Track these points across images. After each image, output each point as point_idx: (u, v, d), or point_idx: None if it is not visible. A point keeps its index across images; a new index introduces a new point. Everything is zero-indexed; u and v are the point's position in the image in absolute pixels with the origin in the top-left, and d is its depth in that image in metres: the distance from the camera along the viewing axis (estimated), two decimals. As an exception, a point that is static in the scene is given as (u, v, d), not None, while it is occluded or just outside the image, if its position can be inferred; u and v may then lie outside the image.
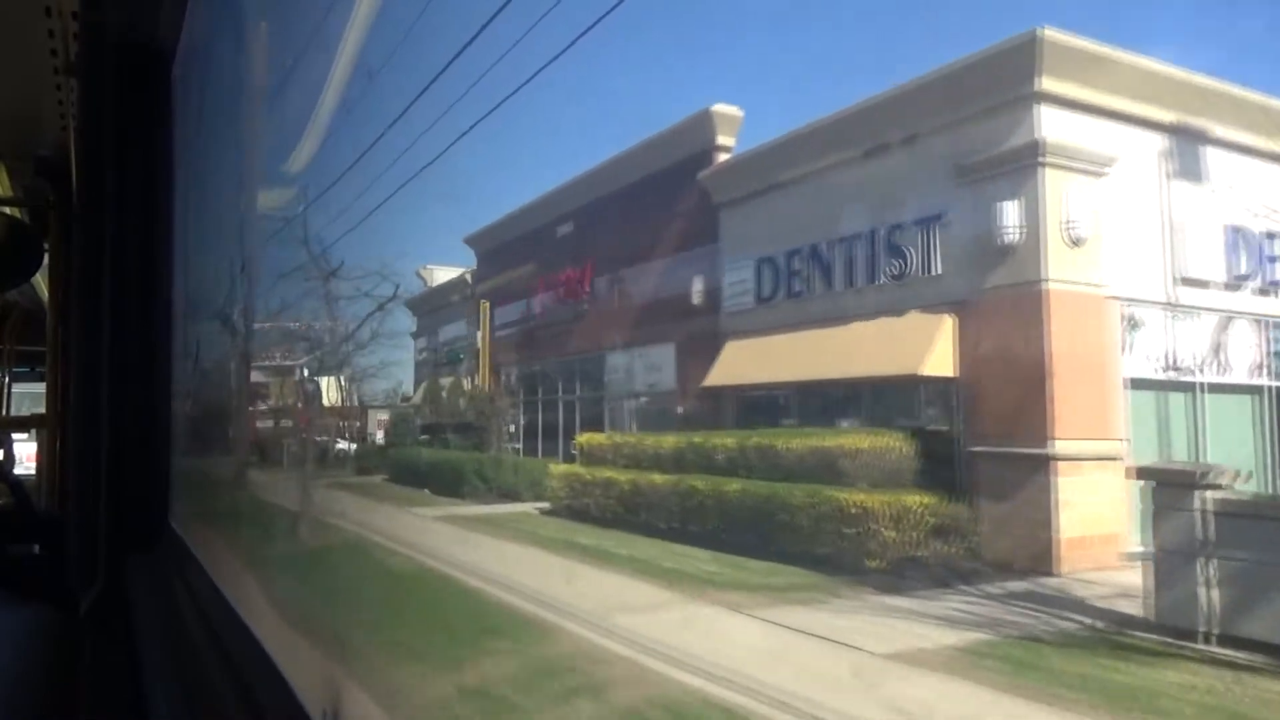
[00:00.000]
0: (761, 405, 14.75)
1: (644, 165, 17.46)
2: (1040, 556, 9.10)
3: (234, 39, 2.12)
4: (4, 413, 7.37)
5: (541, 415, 22.95)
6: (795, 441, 10.92)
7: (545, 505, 15.69)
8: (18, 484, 2.53)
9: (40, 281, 3.96)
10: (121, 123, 2.06)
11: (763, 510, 10.28)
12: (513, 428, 22.81)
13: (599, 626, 6.87)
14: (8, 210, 3.21)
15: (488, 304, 25.67)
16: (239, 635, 1.45)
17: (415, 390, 31.49)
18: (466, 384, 25.64)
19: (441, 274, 30.89)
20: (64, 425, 3.46)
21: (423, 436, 26.42)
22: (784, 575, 8.69)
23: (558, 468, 15.85)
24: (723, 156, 16.01)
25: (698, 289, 15.54)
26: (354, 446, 32.66)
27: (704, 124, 16.19)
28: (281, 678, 1.25)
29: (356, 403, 30.30)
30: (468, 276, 26.79)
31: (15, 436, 7.50)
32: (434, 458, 20.81)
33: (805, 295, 13.26)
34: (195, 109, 2.28)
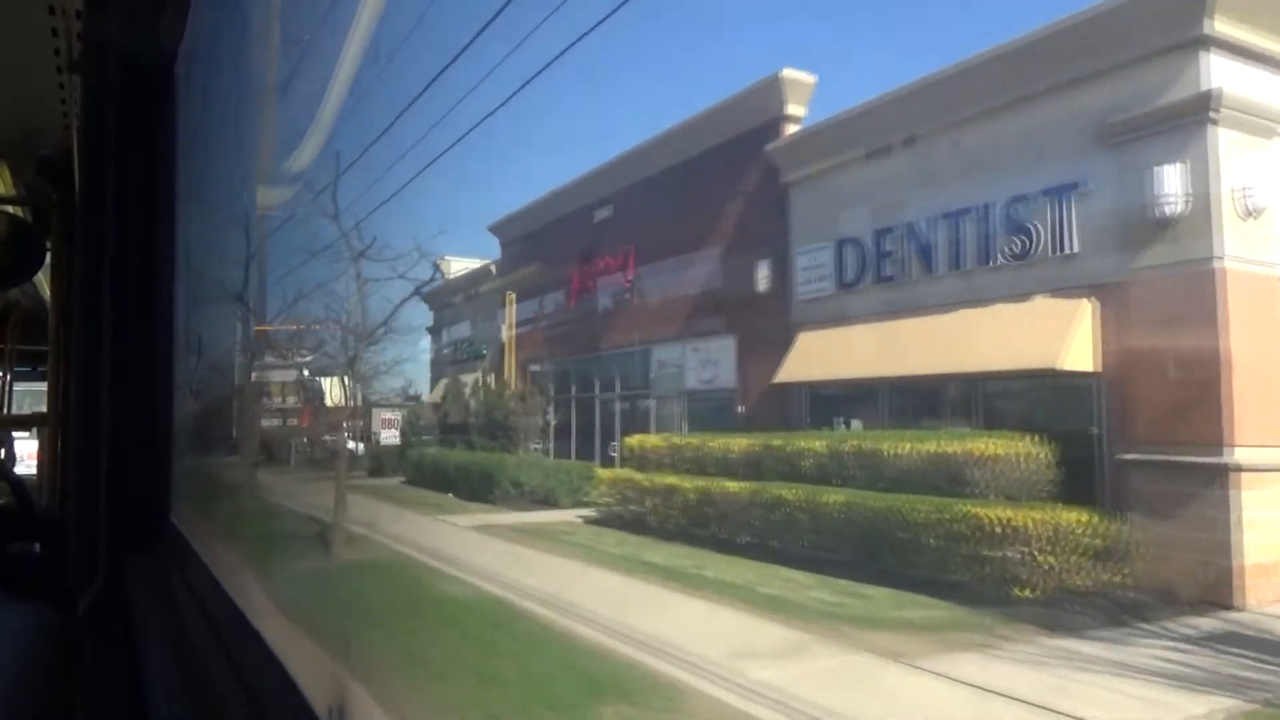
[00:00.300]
0: (842, 403, 14.76)
1: (698, 140, 18.24)
2: (1216, 586, 8.66)
3: (237, 37, 2.45)
4: (5, 411, 8.16)
5: (575, 415, 24.39)
6: (906, 445, 10.74)
7: (589, 513, 16.56)
8: (19, 483, 2.93)
9: (42, 280, 4.48)
10: (124, 122, 2.37)
11: (875, 526, 9.97)
12: (542, 428, 24.17)
13: (735, 683, 6.46)
14: (10, 209, 3.68)
15: (514, 296, 27.13)
16: (243, 635, 1.64)
17: (433, 388, 33.93)
18: (491, 381, 26.62)
19: (460, 266, 32.77)
20: (65, 424, 3.91)
21: (439, 436, 28.34)
22: (917, 607, 8.50)
23: (605, 472, 16.43)
24: (792, 128, 16.09)
25: (764, 275, 15.89)
26: (359, 446, 31.99)
27: (770, 91, 16.38)
28: (288, 677, 1.40)
29: (360, 401, 31.90)
30: (492, 267, 28.18)
31: (16, 435, 8.27)
32: (462, 460, 21.71)
33: (900, 280, 13.41)
34: (198, 108, 2.63)
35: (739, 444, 13.84)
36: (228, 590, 1.90)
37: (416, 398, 37.40)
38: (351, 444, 38.77)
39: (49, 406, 4.48)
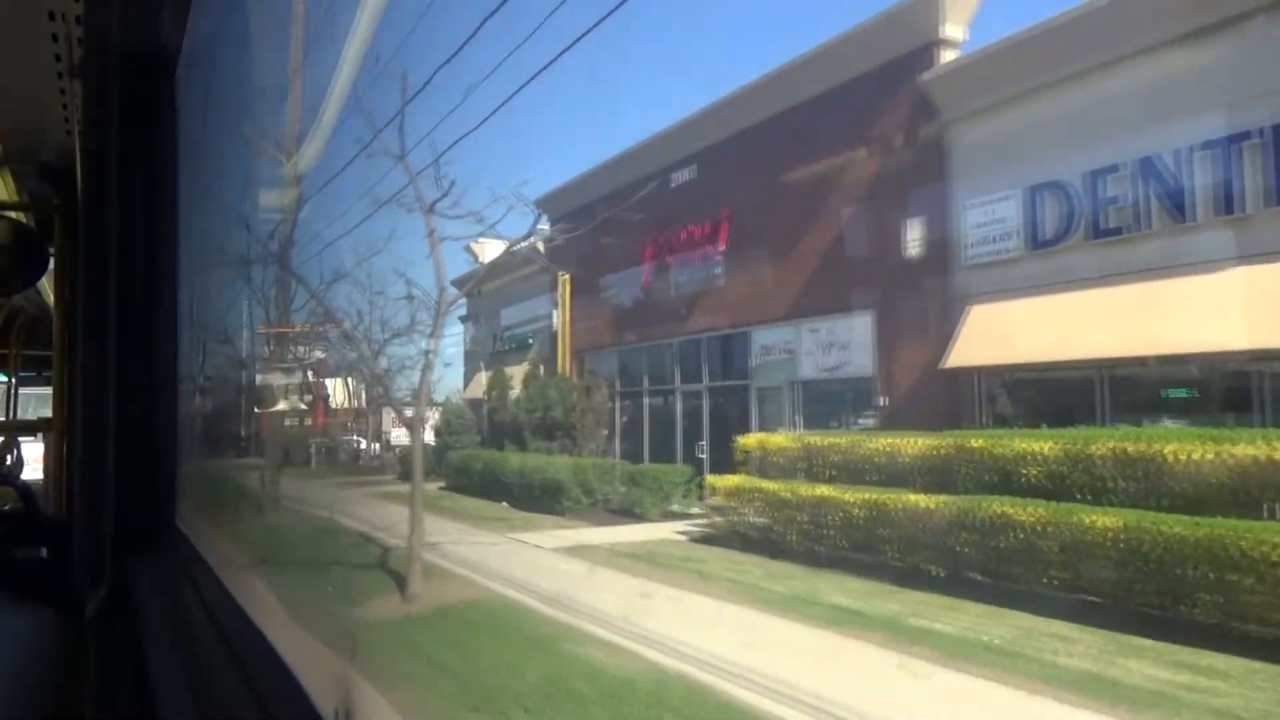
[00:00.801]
0: (1035, 394, 14.77)
1: (817, 79, 19.05)
2: None
3: (238, 38, 3.07)
4: (11, 417, 9.41)
5: (648, 410, 26.08)
6: (1205, 449, 9.88)
7: (688, 527, 17.93)
8: (25, 487, 3.63)
9: (46, 286, 5.32)
10: (125, 125, 2.96)
11: (1182, 561, 9.12)
12: (608, 426, 25.48)
13: None
14: (13, 214, 4.46)
15: (567, 277, 29.20)
16: (249, 637, 2.00)
17: (467, 382, 37.85)
18: (543, 373, 28.26)
19: (496, 248, 35.10)
20: (70, 428, 4.67)
21: (482, 437, 30.65)
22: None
23: (723, 480, 16.68)
24: (950, 54, 16.12)
25: (914, 237, 16.03)
26: (373, 446, 37.05)
27: (921, 11, 16.41)
28: (293, 679, 1.70)
29: (376, 398, 33.25)
30: (539, 245, 29.19)
31: (22, 439, 9.43)
32: (521, 464, 23.00)
33: (1132, 233, 13.06)
34: (199, 110, 3.22)
35: (914, 445, 13.41)
36: (233, 593, 2.40)
37: (417, 393, 38.91)
38: (364, 444, 40.91)
39: (54, 411, 5.27)
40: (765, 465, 16.12)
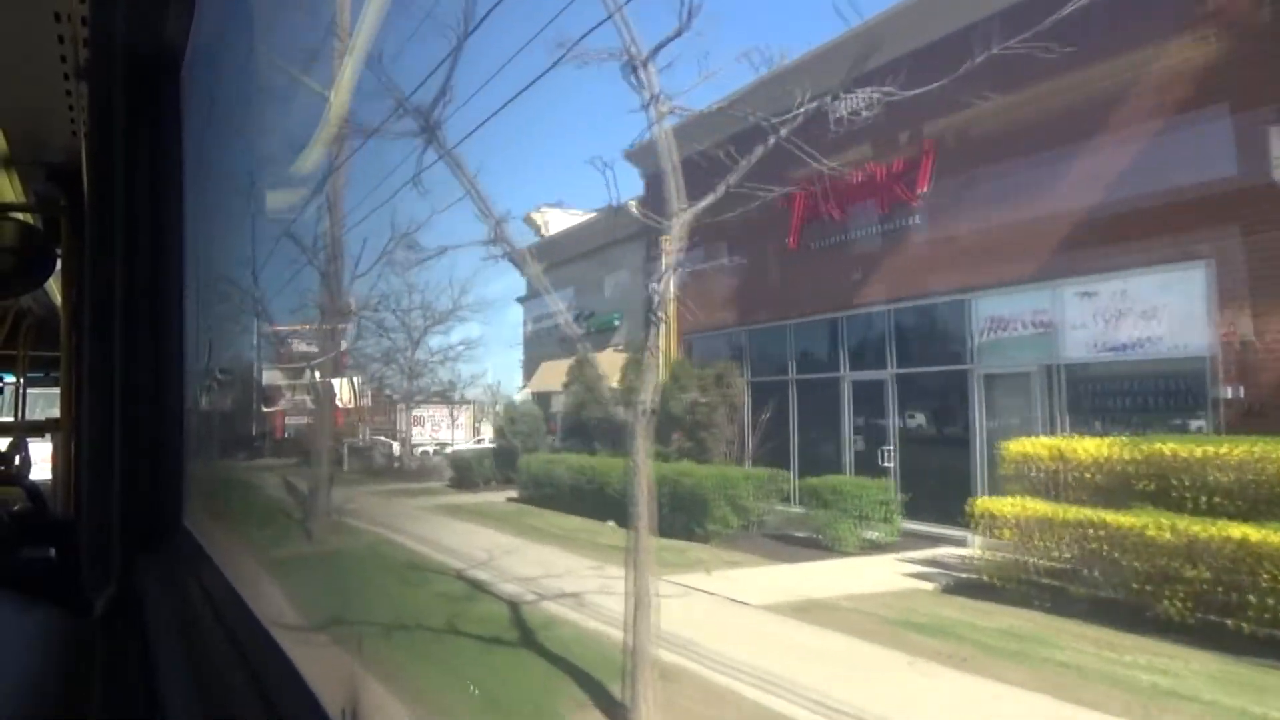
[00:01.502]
0: None
1: None
2: None
3: (243, 36, 3.06)
4: (21, 417, 9.40)
5: (795, 405, 20.62)
6: None
7: (926, 569, 13.40)
8: (34, 487, 3.64)
9: (54, 286, 5.32)
10: (131, 125, 2.94)
11: None
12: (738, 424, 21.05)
13: None
14: (21, 216, 4.46)
15: (672, 243, 22.87)
16: (256, 635, 1.98)
17: (527, 374, 32.25)
18: (645, 360, 22.32)
19: (560, 219, 32.58)
20: (78, 428, 4.67)
21: (561, 438, 26.99)
22: None
23: (1001, 505, 11.91)
24: None
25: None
26: (408, 449, 33.93)
27: None
28: (300, 677, 1.68)
29: (413, 393, 31.06)
30: (632, 207, 23.84)
31: (30, 440, 9.46)
32: (657, 474, 17.31)
33: None
34: (205, 110, 3.23)
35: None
36: (240, 591, 2.37)
37: (444, 388, 35.91)
38: (396, 445, 38.00)
39: (62, 411, 5.29)
40: (1048, 484, 11.87)
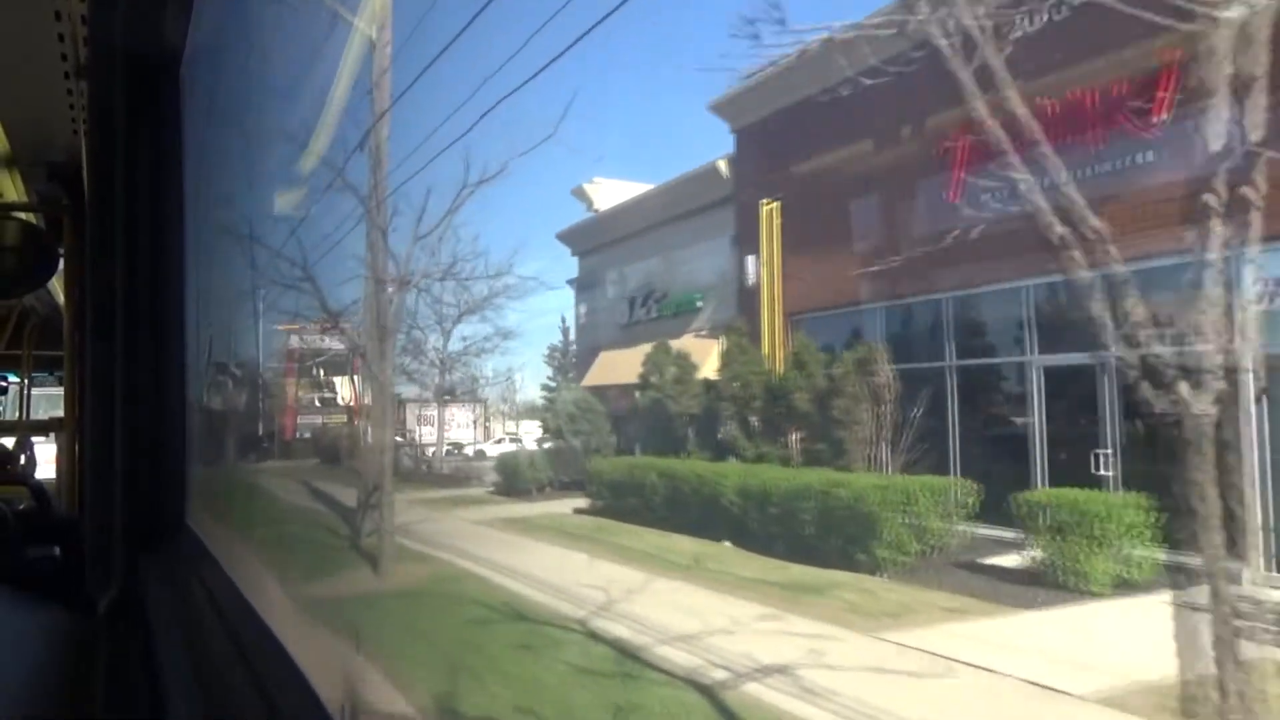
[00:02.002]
0: None
1: None
2: None
3: (241, 36, 3.06)
4: (24, 416, 9.45)
5: (955, 398, 16.61)
6: None
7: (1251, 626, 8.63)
8: (39, 487, 3.66)
9: (57, 286, 5.33)
10: (131, 124, 2.93)
11: None
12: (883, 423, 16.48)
13: None
14: (23, 215, 4.47)
15: (776, 206, 20.29)
16: (257, 634, 2.00)
17: (583, 365, 28.60)
18: (745, 346, 20.03)
19: (612, 191, 28.56)
20: (82, 428, 4.69)
21: (639, 438, 23.13)
22: None
23: None
24: None
25: None
26: (442, 450, 30.71)
27: None
28: (301, 675, 1.70)
29: (445, 389, 28.32)
30: (721, 167, 22.73)
31: (35, 439, 9.51)
32: (765, 481, 15.26)
33: None
34: (204, 109, 3.23)
35: None
36: (242, 590, 2.39)
37: (469, 384, 33.09)
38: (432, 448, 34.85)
39: (66, 411, 5.29)
40: None
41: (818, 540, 13.60)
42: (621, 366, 25.52)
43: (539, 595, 12.12)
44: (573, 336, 32.78)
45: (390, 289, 14.63)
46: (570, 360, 31.35)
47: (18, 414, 10.37)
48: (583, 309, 30.76)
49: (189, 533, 3.14)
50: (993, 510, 13.32)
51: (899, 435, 16.16)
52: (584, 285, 30.19)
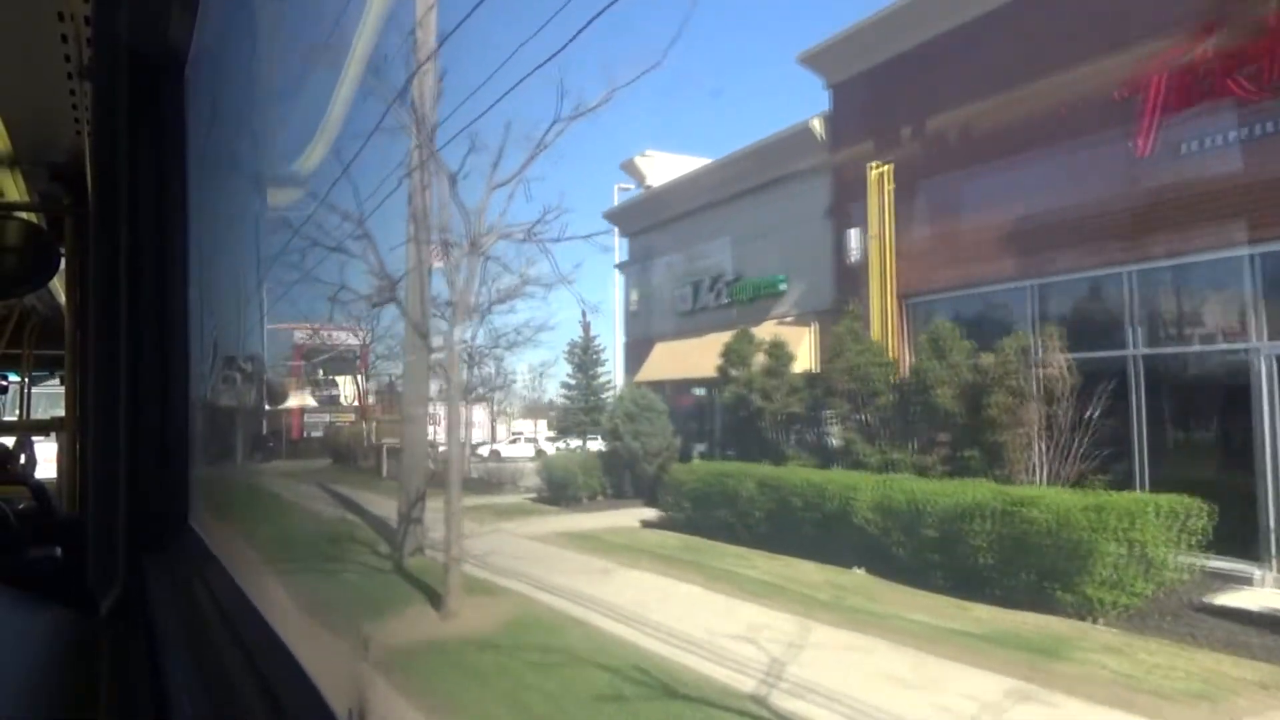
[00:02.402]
0: None
1: None
2: None
3: (247, 36, 3.08)
4: (25, 416, 9.48)
5: (1144, 394, 13.37)
6: None
7: None
8: (40, 487, 3.67)
9: (58, 286, 5.35)
10: (135, 125, 2.93)
11: None
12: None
13: None
14: (25, 215, 4.49)
15: (887, 169, 17.31)
16: (261, 634, 1.99)
17: (634, 359, 25.59)
18: (856, 332, 17.29)
19: (667, 165, 26.00)
20: (83, 427, 4.70)
21: (720, 440, 20.59)
22: None
23: None
24: None
25: None
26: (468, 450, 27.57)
27: None
28: (306, 676, 1.68)
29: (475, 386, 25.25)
30: (815, 128, 19.95)
31: (35, 439, 9.55)
32: (910, 495, 12.61)
33: None
34: (209, 109, 3.25)
35: None
36: (246, 591, 2.39)
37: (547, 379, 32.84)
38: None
39: (67, 411, 5.31)
40: None
41: (997, 572, 11.17)
42: (683, 359, 23.43)
43: (671, 651, 9.51)
44: (617, 327, 29.94)
45: (454, 255, 11.74)
46: (592, 357, 30.06)
47: (18, 413, 10.40)
48: (634, 295, 27.78)
49: (192, 534, 3.14)
50: (1226, 537, 11.07)
51: (1071, 439, 13.29)
52: (635, 269, 27.38)
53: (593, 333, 29.82)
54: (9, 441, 6.88)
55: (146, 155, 3.03)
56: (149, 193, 3.05)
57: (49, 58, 3.30)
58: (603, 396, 29.17)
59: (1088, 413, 13.21)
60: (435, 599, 11.11)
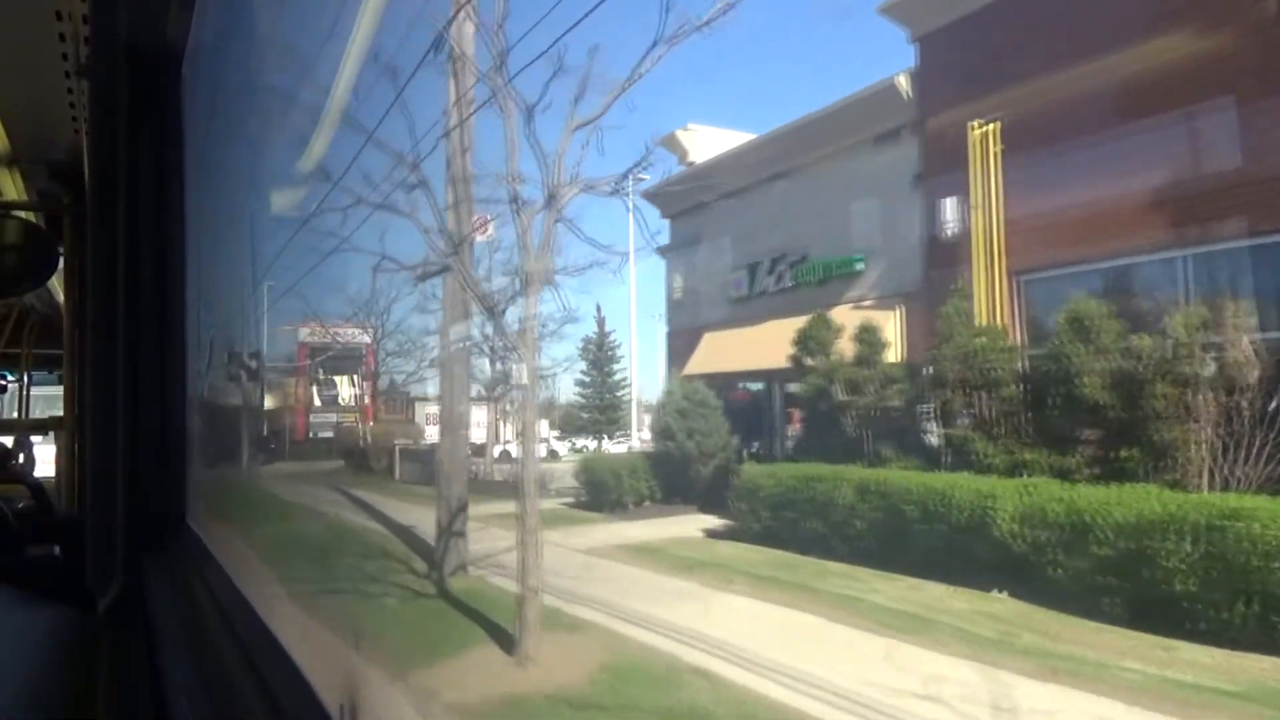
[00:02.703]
0: None
1: None
2: None
3: (244, 35, 3.09)
4: (24, 415, 9.48)
5: None
6: None
7: None
8: (38, 486, 3.68)
9: (57, 285, 5.37)
10: (133, 124, 2.94)
11: None
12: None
13: None
14: (23, 214, 4.50)
15: (992, 129, 14.98)
16: (256, 632, 2.01)
17: (675, 351, 23.85)
18: (968, 313, 14.73)
19: (711, 139, 24.02)
20: (82, 427, 4.72)
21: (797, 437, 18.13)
22: None
23: None
24: None
25: None
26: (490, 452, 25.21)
27: None
28: (300, 674, 1.70)
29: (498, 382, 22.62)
30: (901, 85, 17.52)
31: (34, 438, 9.57)
32: (1139, 510, 9.64)
33: None
34: (206, 107, 3.26)
35: None
36: (242, 589, 2.41)
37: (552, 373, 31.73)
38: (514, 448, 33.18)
39: (65, 410, 5.33)
40: None
41: (1201, 602, 8.96)
42: (738, 349, 21.32)
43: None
44: (661, 319, 26.95)
45: (525, 214, 9.59)
46: (607, 353, 29.16)
47: (17, 413, 10.42)
48: (677, 281, 25.32)
49: (190, 533, 3.15)
50: None
51: (1254, 435, 11.04)
52: (678, 253, 24.63)
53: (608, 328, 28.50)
54: (8, 440, 6.90)
55: (145, 153, 3.05)
56: (147, 191, 3.06)
57: (47, 56, 3.31)
58: (618, 394, 28.34)
59: (1272, 405, 10.85)
60: (500, 636, 9.04)
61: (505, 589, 10.48)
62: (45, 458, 9.25)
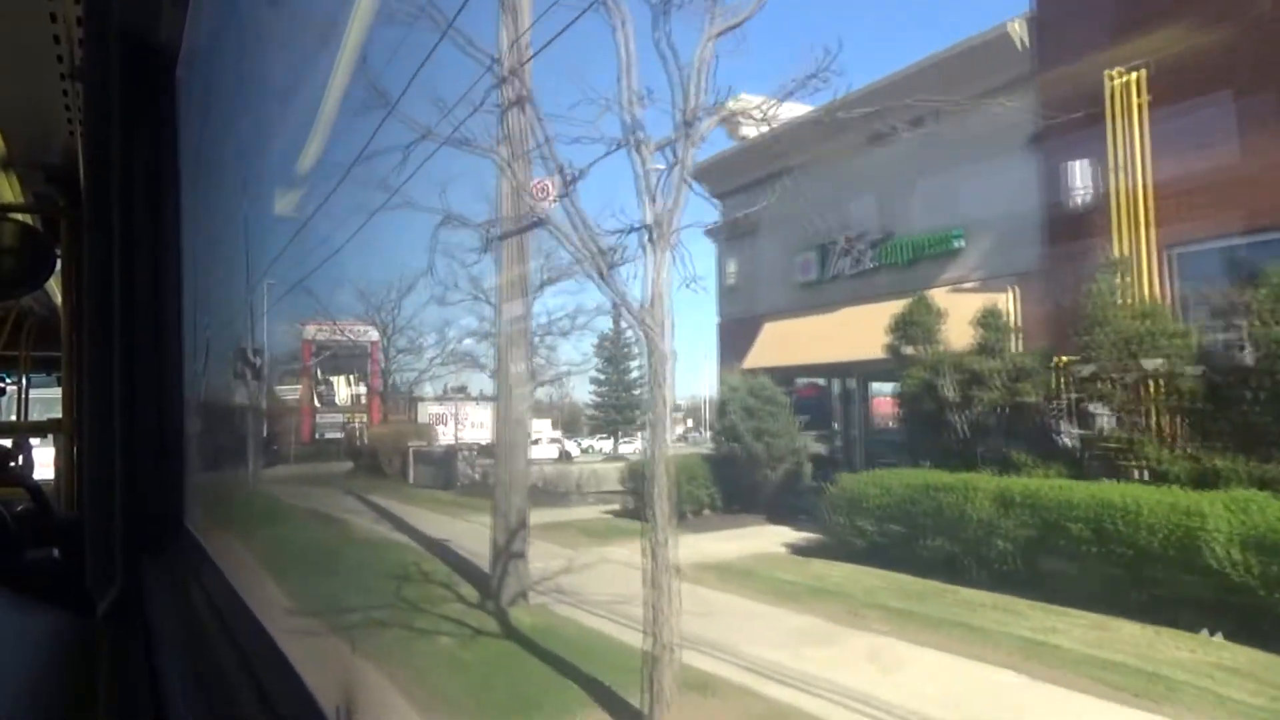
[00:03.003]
0: None
1: None
2: None
3: (237, 37, 3.09)
4: (23, 418, 9.51)
5: None
6: None
7: None
8: (37, 488, 3.68)
9: (55, 287, 5.39)
10: (128, 126, 2.93)
11: None
12: None
13: None
14: (20, 217, 4.52)
15: (1137, 79, 12.87)
16: (253, 633, 2.04)
17: (729, 341, 21.39)
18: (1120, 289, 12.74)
19: (764, 111, 23.00)
20: (80, 429, 4.73)
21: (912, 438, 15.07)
22: None
23: None
24: None
25: None
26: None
27: None
28: (297, 676, 1.74)
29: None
30: (1015, 32, 15.27)
31: (33, 441, 9.59)
32: None
33: None
34: (200, 109, 3.27)
35: None
36: (241, 594, 2.44)
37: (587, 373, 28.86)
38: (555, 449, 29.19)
39: (64, 412, 5.34)
40: None
41: None
42: (808, 339, 19.21)
43: None
44: (714, 306, 24.35)
45: (645, 150, 7.54)
46: (623, 350, 28.57)
47: (15, 415, 10.44)
48: (731, 266, 23.07)
49: (189, 536, 3.17)
50: None
51: None
52: (733, 234, 21.89)
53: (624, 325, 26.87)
54: (7, 443, 6.90)
55: (140, 155, 3.04)
56: (143, 193, 3.06)
57: (41, 59, 3.32)
58: (634, 393, 27.43)
59: None
60: (606, 698, 7.29)
61: (580, 623, 9.37)
62: (44, 460, 9.26)
